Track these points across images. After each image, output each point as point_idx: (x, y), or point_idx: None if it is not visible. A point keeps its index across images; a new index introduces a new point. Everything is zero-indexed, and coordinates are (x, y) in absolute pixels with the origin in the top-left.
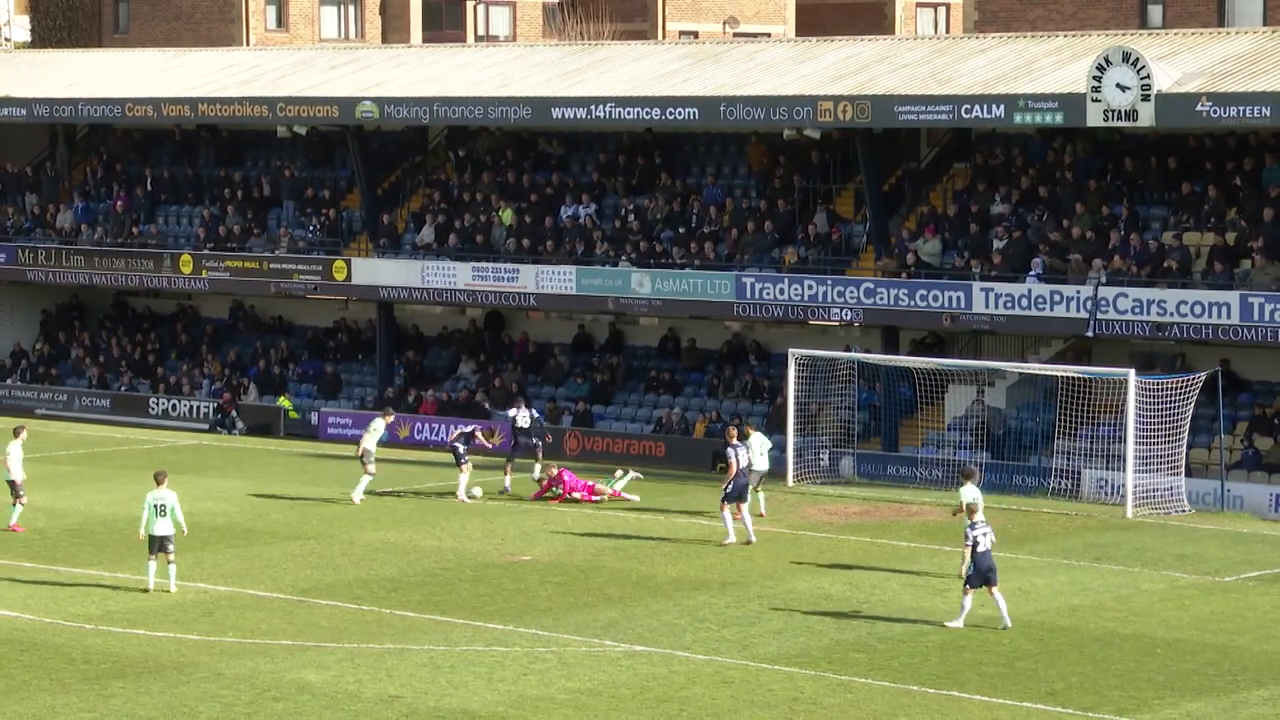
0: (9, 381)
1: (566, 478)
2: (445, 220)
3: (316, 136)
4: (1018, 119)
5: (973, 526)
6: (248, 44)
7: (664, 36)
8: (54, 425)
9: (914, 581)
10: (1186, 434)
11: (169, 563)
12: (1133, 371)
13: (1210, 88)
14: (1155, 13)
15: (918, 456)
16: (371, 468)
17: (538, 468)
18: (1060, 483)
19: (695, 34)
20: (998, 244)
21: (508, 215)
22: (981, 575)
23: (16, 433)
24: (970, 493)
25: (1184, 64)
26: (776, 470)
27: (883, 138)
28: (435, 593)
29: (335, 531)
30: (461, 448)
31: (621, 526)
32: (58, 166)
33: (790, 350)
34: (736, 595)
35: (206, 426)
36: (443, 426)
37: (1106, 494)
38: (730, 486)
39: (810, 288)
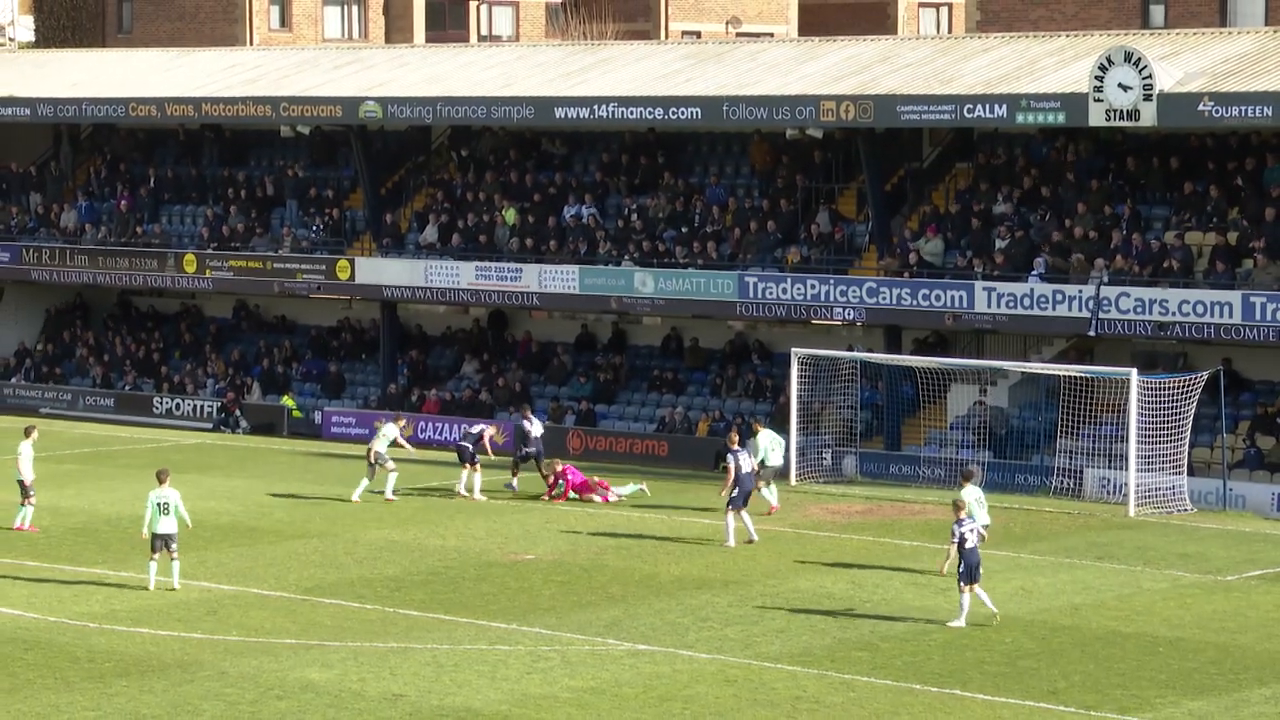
0: (14, 381)
1: (570, 475)
2: (448, 220)
3: (320, 136)
4: (1020, 119)
5: (960, 523)
6: (251, 44)
7: (666, 36)
8: (58, 424)
9: (916, 580)
10: (1188, 433)
11: (172, 559)
12: (1135, 371)
13: (1212, 88)
14: (1157, 13)
15: (920, 455)
16: (391, 464)
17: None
18: (1062, 482)
19: (698, 34)
20: (1000, 243)
21: (511, 215)
22: (971, 571)
23: (28, 433)
24: (971, 494)
25: (1186, 64)
26: (779, 469)
27: (885, 137)
28: (439, 591)
29: (339, 530)
30: (471, 447)
31: (625, 525)
32: (61, 166)
33: (793, 350)
34: (739, 594)
35: (210, 426)
36: (446, 426)
37: (1109, 493)
38: (736, 491)
39: (813, 287)
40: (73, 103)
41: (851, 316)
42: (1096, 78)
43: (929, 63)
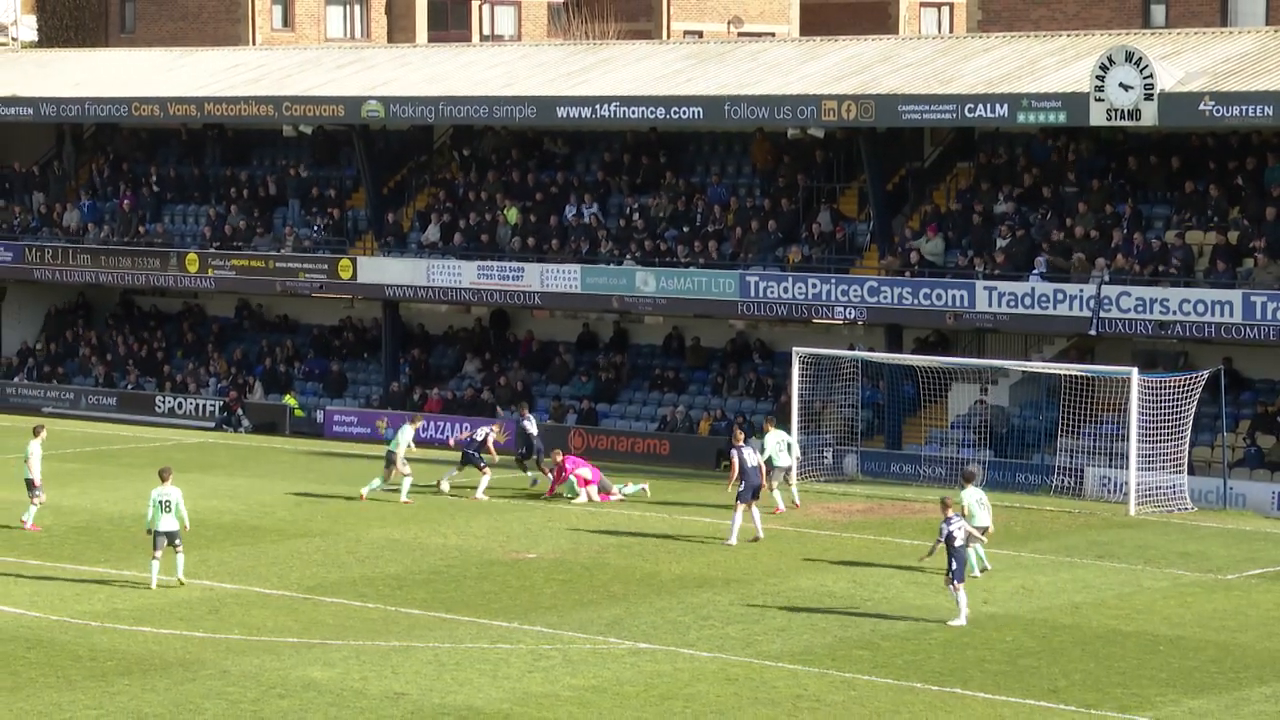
0: (16, 380)
1: (569, 464)
2: (450, 219)
3: (322, 136)
4: (1021, 118)
5: (947, 522)
6: (254, 43)
7: (668, 36)
8: (61, 423)
9: (917, 579)
10: (1189, 432)
11: (177, 553)
12: (1135, 370)
13: (1213, 87)
14: (1158, 12)
15: (921, 454)
16: (406, 468)
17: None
18: (1063, 480)
19: (699, 34)
20: (1001, 243)
21: (513, 214)
22: (963, 568)
23: (36, 432)
24: (971, 495)
25: (1187, 63)
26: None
27: (886, 137)
28: (440, 590)
29: (341, 529)
30: (476, 453)
31: (626, 524)
32: (64, 165)
33: (794, 349)
34: (740, 593)
35: (212, 425)
36: (448, 425)
37: (1109, 492)
38: (743, 486)
39: (814, 286)
40: (75, 102)
41: (852, 315)
42: (1097, 77)
43: (930, 62)
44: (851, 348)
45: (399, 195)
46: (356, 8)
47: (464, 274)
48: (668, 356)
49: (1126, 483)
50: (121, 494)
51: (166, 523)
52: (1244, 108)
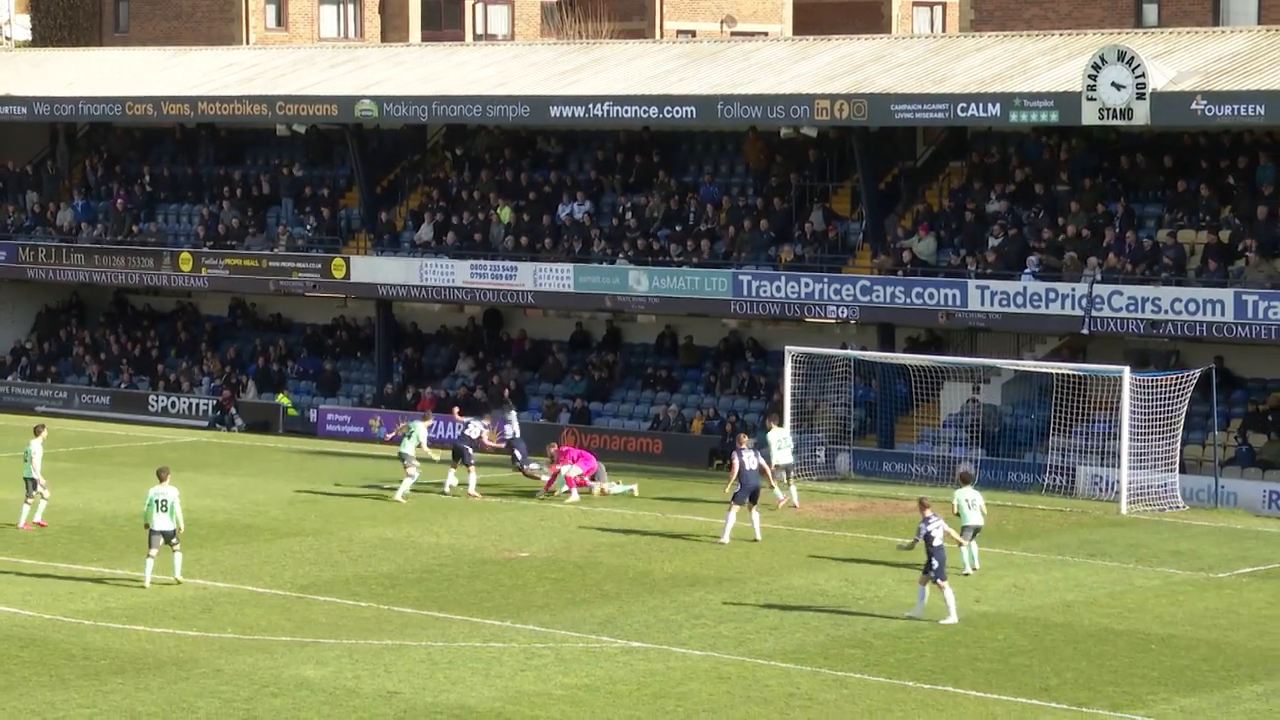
0: (9, 379)
1: (564, 453)
2: (444, 218)
3: (316, 135)
4: (1013, 117)
5: (926, 521)
6: (247, 43)
7: (661, 35)
8: (54, 422)
9: (909, 578)
10: (1181, 431)
11: (174, 552)
12: (1127, 369)
13: (1205, 86)
14: (1150, 12)
15: (913, 453)
16: (414, 469)
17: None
18: (1055, 479)
19: (692, 33)
20: (993, 242)
21: (506, 213)
22: (943, 567)
23: (37, 431)
24: (965, 494)
25: (1179, 63)
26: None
27: (879, 136)
28: (433, 589)
29: (333, 528)
30: (470, 449)
31: (618, 523)
32: (58, 165)
33: (787, 347)
34: (733, 591)
35: (206, 423)
36: (441, 424)
37: (1101, 490)
38: (740, 488)
39: (807, 285)
40: (69, 101)
41: (845, 314)
42: (1090, 76)
43: (923, 62)
44: (844, 347)
45: (392, 194)
46: (350, 7)
47: (457, 273)
48: (660, 355)
49: (1118, 481)
50: (115, 493)
51: (161, 522)
52: (1236, 107)
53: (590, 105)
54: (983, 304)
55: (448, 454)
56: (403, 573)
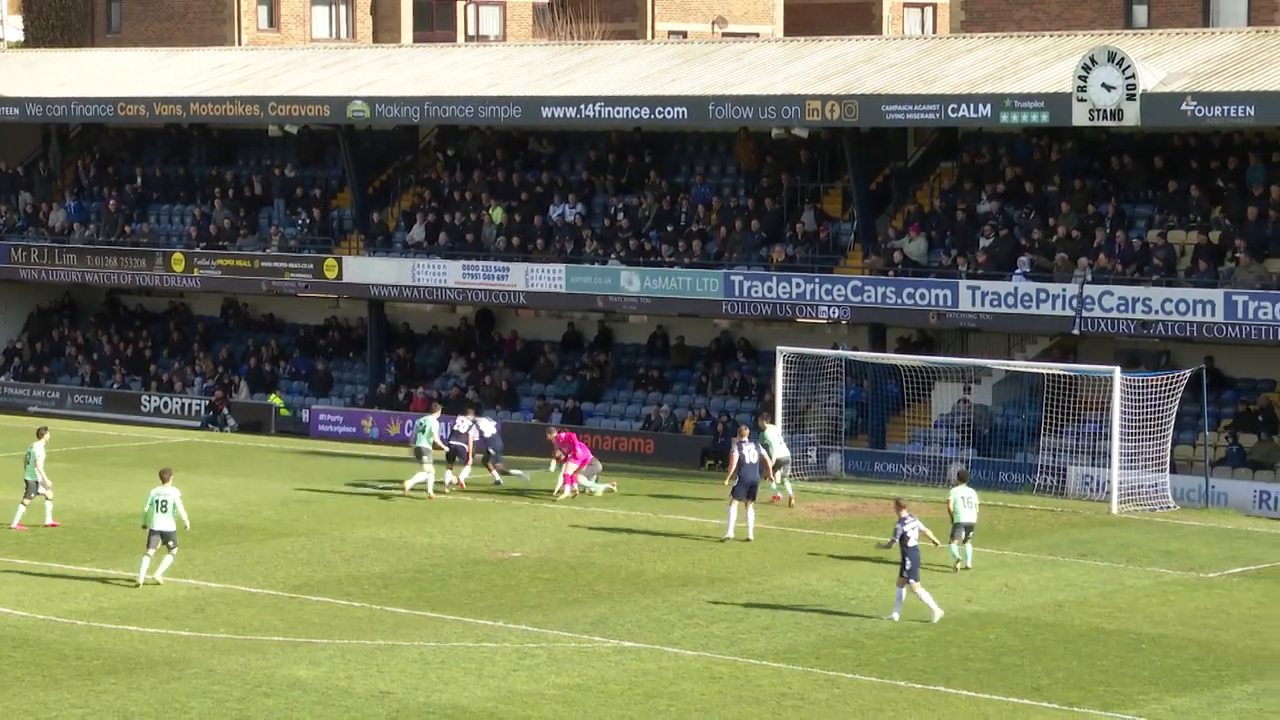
0: (2, 379)
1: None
2: (435, 219)
3: (308, 135)
4: (1004, 118)
5: (902, 522)
6: (239, 43)
7: (653, 36)
8: (47, 423)
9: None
10: (1171, 431)
11: (168, 552)
12: (1118, 369)
13: (1195, 87)
14: (1140, 13)
15: (904, 453)
16: (428, 464)
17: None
18: (1046, 479)
19: (684, 34)
20: (984, 242)
21: (498, 214)
22: (917, 568)
23: (40, 434)
24: (961, 492)
25: (1169, 64)
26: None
27: (870, 137)
28: (425, 589)
29: (326, 528)
30: (465, 446)
31: (610, 523)
32: (50, 165)
33: (778, 348)
34: (725, 591)
35: (198, 424)
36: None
37: (1092, 490)
38: (738, 482)
39: (798, 286)
40: (61, 102)
41: (836, 315)
42: (1080, 77)
43: (914, 62)
44: (835, 347)
45: (384, 195)
46: (342, 8)
47: (449, 273)
48: (652, 356)
49: (1109, 481)
50: (107, 493)
51: (161, 522)
52: (1226, 108)
53: (582, 106)
54: (973, 304)
55: (441, 455)
56: (395, 573)
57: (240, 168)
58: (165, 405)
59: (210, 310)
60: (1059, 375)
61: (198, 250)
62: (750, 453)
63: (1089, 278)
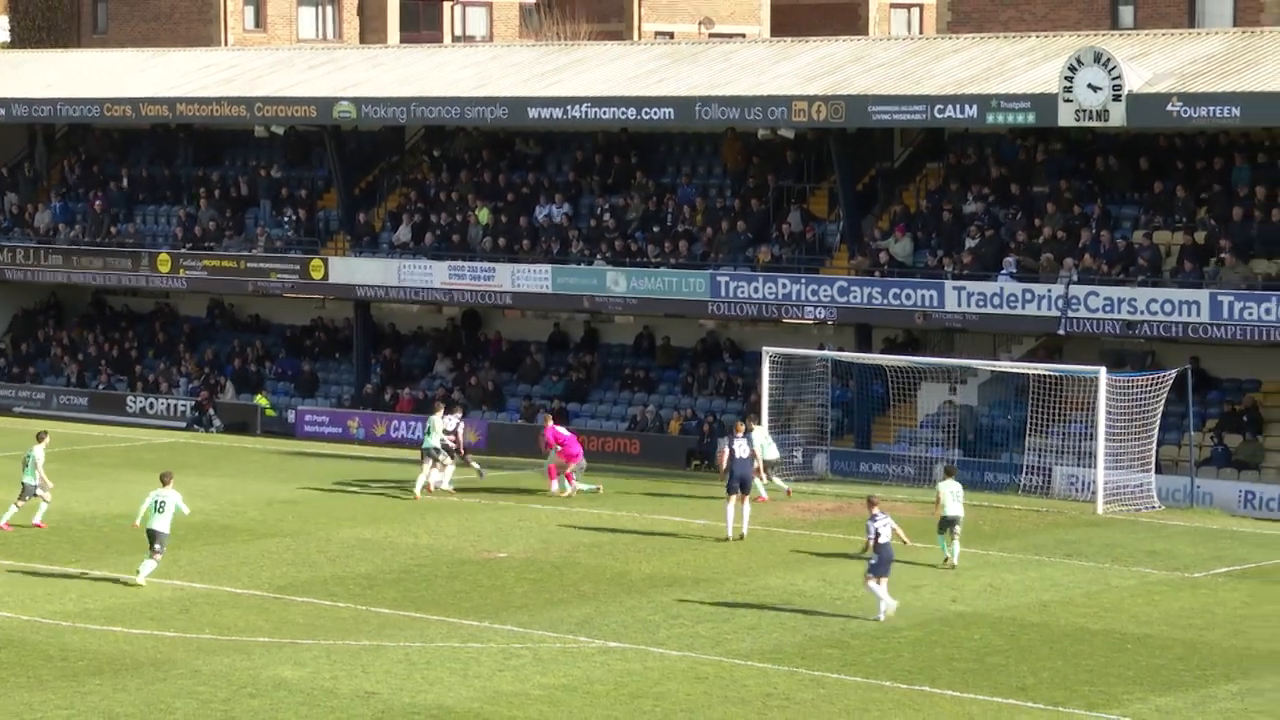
0: None
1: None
2: (422, 219)
3: (294, 136)
4: (990, 119)
5: (874, 519)
6: (226, 44)
7: (640, 37)
8: (32, 423)
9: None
10: (1156, 431)
11: (152, 555)
12: (1103, 369)
13: (1180, 88)
14: (1126, 14)
15: (890, 454)
16: (444, 457)
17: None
18: (1031, 479)
19: (671, 34)
20: (970, 243)
21: (484, 214)
22: (885, 565)
23: (40, 437)
24: (949, 487)
25: (1155, 64)
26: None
27: (856, 137)
28: (411, 589)
29: (311, 529)
30: (459, 444)
31: (596, 523)
32: (36, 166)
33: (764, 348)
34: (710, 591)
35: (184, 424)
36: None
37: (1077, 490)
38: (730, 478)
39: (784, 286)
40: (47, 103)
41: (822, 315)
42: (1066, 78)
43: (900, 63)
44: (821, 347)
45: (370, 196)
46: (328, 9)
47: (435, 274)
48: (638, 356)
49: (1094, 481)
50: (93, 494)
51: (157, 522)
52: (1211, 109)
53: (568, 107)
54: (959, 305)
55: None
56: (380, 573)
57: (226, 168)
58: (151, 406)
59: (196, 311)
60: (1044, 375)
61: (184, 251)
62: (741, 448)
63: (1074, 278)
